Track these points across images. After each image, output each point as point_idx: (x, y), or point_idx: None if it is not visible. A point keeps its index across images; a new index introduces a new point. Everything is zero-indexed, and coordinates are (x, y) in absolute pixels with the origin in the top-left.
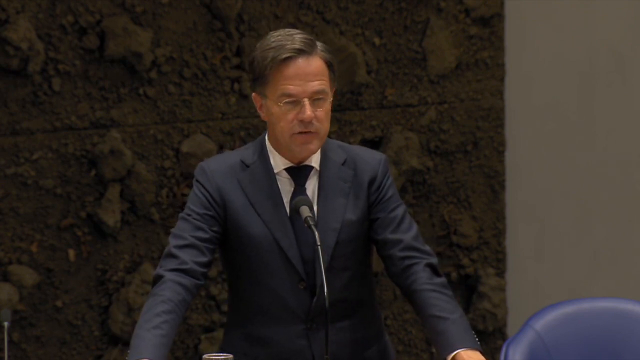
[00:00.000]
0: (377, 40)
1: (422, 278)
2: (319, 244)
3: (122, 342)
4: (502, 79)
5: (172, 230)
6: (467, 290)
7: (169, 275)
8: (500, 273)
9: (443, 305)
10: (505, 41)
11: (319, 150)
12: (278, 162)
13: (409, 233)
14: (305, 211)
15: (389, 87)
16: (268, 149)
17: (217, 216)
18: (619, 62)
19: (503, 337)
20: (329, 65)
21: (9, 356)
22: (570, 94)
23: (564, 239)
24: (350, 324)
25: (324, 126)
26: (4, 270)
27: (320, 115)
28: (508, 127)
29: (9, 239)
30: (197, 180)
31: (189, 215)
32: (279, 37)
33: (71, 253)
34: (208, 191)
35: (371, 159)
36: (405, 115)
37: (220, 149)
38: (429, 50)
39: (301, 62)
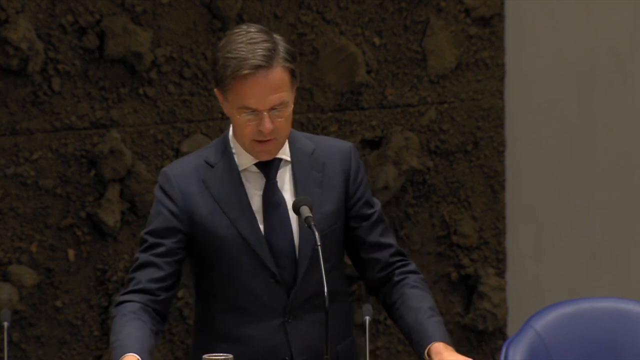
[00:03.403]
0: (377, 40)
1: (412, 277)
2: (319, 244)
3: None
4: (502, 79)
5: (136, 254)
6: (467, 290)
7: (124, 298)
8: (500, 273)
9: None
10: (505, 41)
11: (287, 142)
12: (245, 159)
13: (391, 233)
14: (305, 211)
15: (389, 87)
16: (233, 147)
17: (180, 225)
18: (619, 62)
19: (503, 337)
20: (291, 71)
21: (8, 356)
22: (570, 94)
23: (564, 239)
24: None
25: (284, 132)
26: (4, 270)
27: (279, 124)
28: (508, 127)
29: (9, 239)
30: (161, 189)
31: (147, 233)
32: (241, 45)
33: (71, 253)
34: (172, 200)
35: (340, 148)
36: (405, 115)
37: None
38: (429, 50)
39: (261, 78)
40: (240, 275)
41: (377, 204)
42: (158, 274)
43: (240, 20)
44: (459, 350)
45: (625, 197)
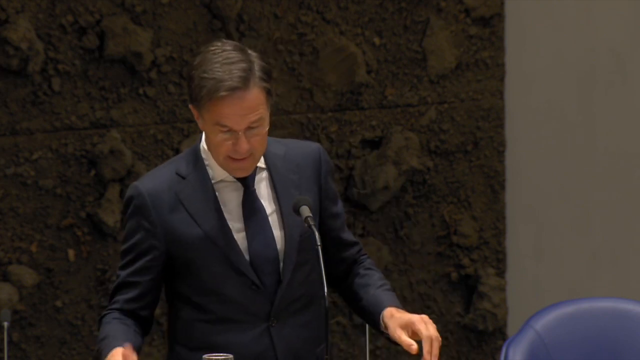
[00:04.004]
0: (377, 40)
1: (363, 265)
2: (319, 244)
3: None
4: (502, 79)
5: (118, 271)
6: (467, 290)
7: (105, 312)
8: (500, 273)
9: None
10: (505, 41)
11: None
12: (221, 170)
13: (348, 229)
14: (305, 211)
15: (389, 87)
16: (205, 158)
17: (156, 242)
18: (619, 62)
19: (503, 337)
20: (267, 90)
21: (8, 356)
22: (570, 94)
23: (564, 239)
24: (307, 319)
25: (260, 149)
26: (4, 270)
27: (255, 142)
28: (508, 127)
29: (9, 239)
30: (134, 206)
31: (124, 251)
32: (217, 65)
33: (71, 253)
34: (145, 217)
35: (309, 148)
36: (405, 115)
37: None
38: (429, 50)
39: (237, 100)
40: (222, 286)
41: (339, 199)
42: (137, 292)
43: (240, 20)
44: (459, 350)
45: (625, 197)
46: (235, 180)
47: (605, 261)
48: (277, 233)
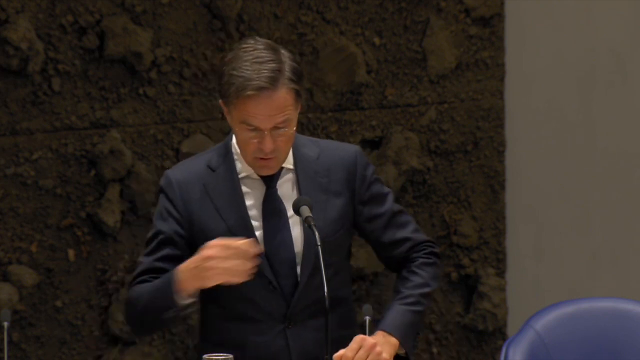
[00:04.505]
0: (377, 40)
1: (415, 263)
2: (319, 244)
3: (122, 342)
4: (502, 79)
5: (144, 250)
6: (467, 290)
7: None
8: (500, 273)
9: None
10: (505, 41)
11: (290, 149)
12: (247, 166)
13: (409, 227)
14: (305, 211)
15: (389, 87)
16: (234, 153)
17: (182, 230)
18: (619, 62)
19: (503, 337)
20: (295, 91)
21: (8, 356)
22: (570, 94)
23: (564, 239)
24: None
25: (286, 149)
26: (4, 270)
27: (281, 142)
28: (508, 127)
29: (9, 239)
30: (163, 193)
31: (151, 238)
32: (247, 64)
33: (71, 253)
34: (174, 205)
35: (344, 152)
36: (405, 115)
37: None
38: (429, 50)
39: (264, 99)
40: (239, 284)
41: (389, 199)
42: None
43: (240, 20)
44: (459, 350)
45: (625, 197)
46: (259, 177)
47: (605, 261)
48: (297, 235)
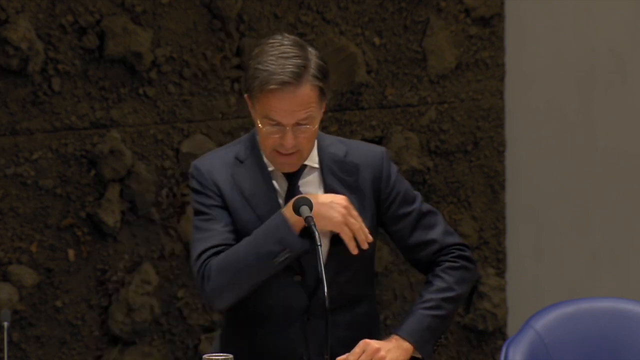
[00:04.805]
0: (377, 40)
1: (441, 266)
2: (319, 244)
3: (122, 342)
4: (502, 79)
5: (195, 237)
6: None
7: (215, 253)
8: (500, 273)
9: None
10: (505, 41)
11: (315, 148)
12: (269, 161)
13: (438, 229)
14: (305, 211)
15: (389, 87)
16: (260, 147)
17: (225, 209)
18: (619, 62)
19: (503, 337)
20: (320, 89)
21: (8, 356)
22: (570, 94)
23: (564, 239)
24: (349, 320)
25: (307, 147)
26: (4, 270)
27: (302, 139)
28: (508, 127)
29: (9, 239)
30: (195, 179)
31: (197, 228)
32: (272, 58)
33: (71, 253)
34: (209, 187)
35: (372, 152)
36: (405, 115)
37: None
38: (429, 50)
39: (287, 94)
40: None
41: (417, 200)
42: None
43: (240, 20)
44: (459, 350)
45: (625, 197)
46: (282, 175)
47: (605, 261)
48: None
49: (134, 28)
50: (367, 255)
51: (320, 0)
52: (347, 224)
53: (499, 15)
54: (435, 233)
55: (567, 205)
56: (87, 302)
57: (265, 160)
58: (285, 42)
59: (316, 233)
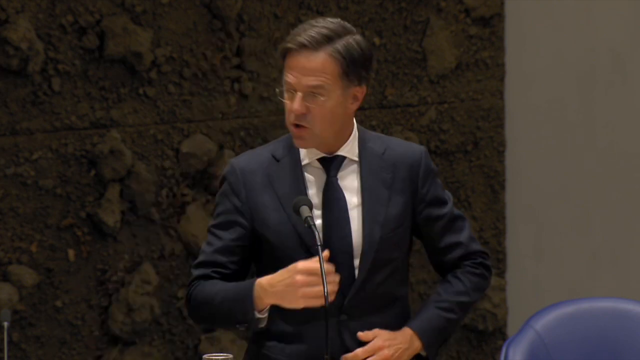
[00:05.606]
0: (377, 40)
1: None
2: (319, 244)
3: (122, 342)
4: (502, 79)
5: (207, 239)
6: None
7: (198, 274)
8: (500, 273)
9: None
10: (505, 41)
11: (356, 141)
12: (308, 152)
13: (464, 233)
14: (305, 211)
15: (389, 87)
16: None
17: (243, 220)
18: (619, 62)
19: (503, 337)
20: (340, 64)
21: (8, 356)
22: (570, 94)
23: (564, 239)
24: (382, 320)
25: (319, 122)
26: (4, 270)
27: (314, 111)
28: (508, 127)
29: (9, 239)
30: (227, 182)
31: (213, 227)
32: (305, 25)
33: (71, 253)
34: (236, 194)
35: (411, 151)
36: (405, 115)
37: (220, 149)
38: (429, 50)
39: (302, 57)
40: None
41: (449, 202)
42: (234, 257)
43: (240, 20)
44: (459, 350)
45: (625, 197)
46: (320, 166)
47: (605, 261)
48: (356, 228)
49: (134, 28)
50: (401, 255)
51: (320, 0)
52: (304, 295)
53: (499, 15)
54: (463, 237)
55: (567, 205)
56: (87, 302)
57: (302, 155)
58: (328, 19)
59: (316, 233)
